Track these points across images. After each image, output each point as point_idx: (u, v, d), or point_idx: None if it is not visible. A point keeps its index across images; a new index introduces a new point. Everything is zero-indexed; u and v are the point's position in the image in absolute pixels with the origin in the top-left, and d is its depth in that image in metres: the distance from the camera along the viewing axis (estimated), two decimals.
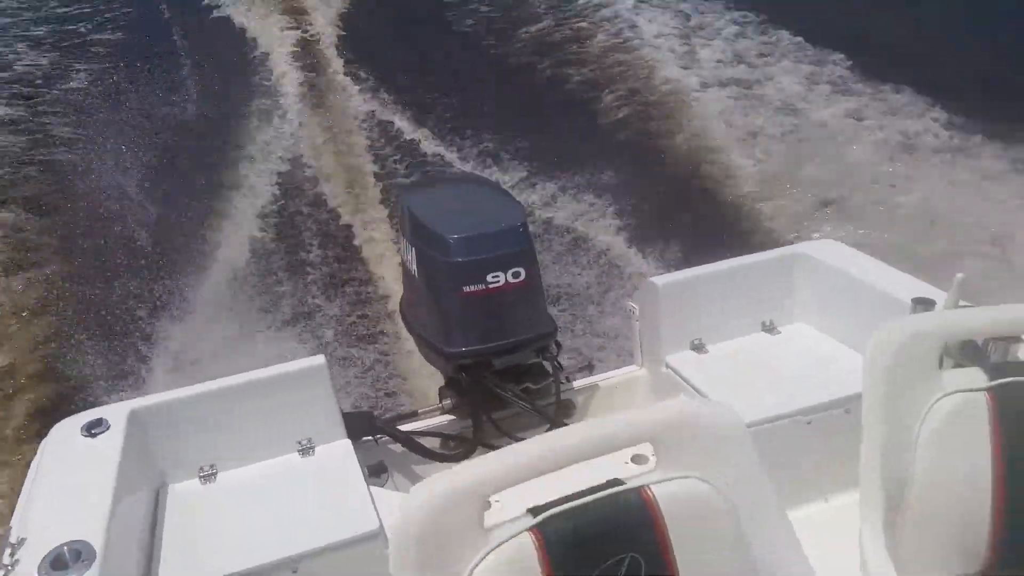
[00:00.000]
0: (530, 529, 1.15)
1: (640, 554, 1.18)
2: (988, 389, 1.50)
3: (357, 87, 9.73)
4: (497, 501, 1.21)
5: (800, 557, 1.32)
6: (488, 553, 1.13)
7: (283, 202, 7.37)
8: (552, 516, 1.17)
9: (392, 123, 8.80)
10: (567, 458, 1.22)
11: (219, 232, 6.78)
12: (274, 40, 11.14)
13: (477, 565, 1.13)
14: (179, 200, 7.23)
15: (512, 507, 1.20)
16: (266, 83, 10.02)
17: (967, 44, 8.41)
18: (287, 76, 10.16)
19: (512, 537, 1.15)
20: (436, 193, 2.64)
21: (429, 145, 8.21)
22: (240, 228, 6.84)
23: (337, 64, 10.47)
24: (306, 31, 11.43)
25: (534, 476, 1.19)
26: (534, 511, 1.18)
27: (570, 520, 1.17)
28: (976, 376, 1.52)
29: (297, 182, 7.76)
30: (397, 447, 2.27)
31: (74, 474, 1.75)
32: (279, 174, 7.90)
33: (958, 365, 1.61)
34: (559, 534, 1.16)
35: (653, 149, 7.47)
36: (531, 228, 2.27)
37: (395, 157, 8.10)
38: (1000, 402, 1.49)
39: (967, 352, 1.70)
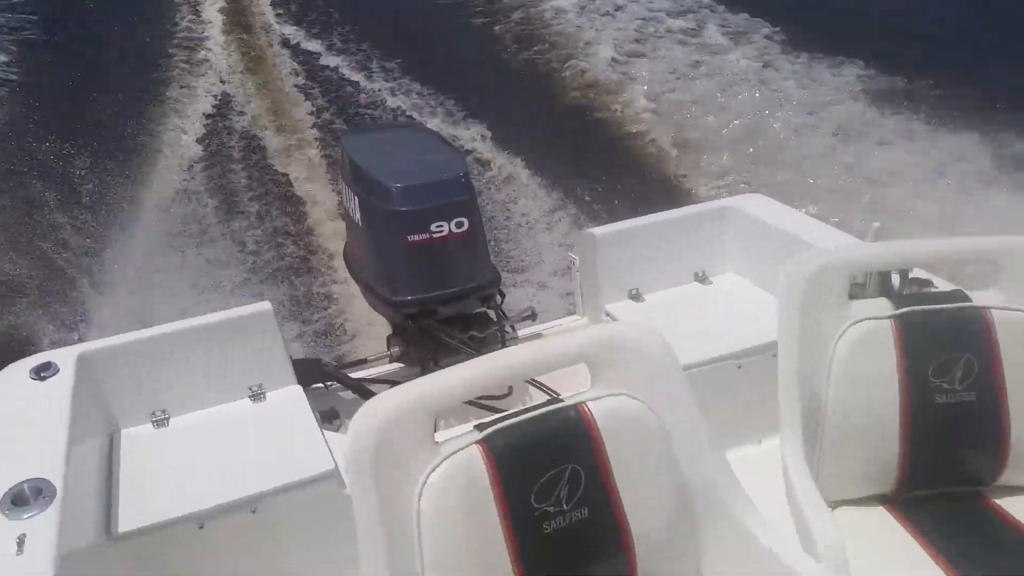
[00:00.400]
0: (478, 442, 1.24)
1: (580, 465, 1.28)
2: (893, 317, 1.61)
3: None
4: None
5: (728, 471, 1.42)
6: (439, 464, 1.21)
7: (212, 142, 7.25)
8: (498, 430, 1.26)
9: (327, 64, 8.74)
10: (508, 374, 1.32)
11: (149, 182, 6.63)
12: None
13: (429, 476, 1.21)
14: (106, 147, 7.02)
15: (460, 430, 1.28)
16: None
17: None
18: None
19: (461, 449, 1.23)
20: (377, 140, 2.65)
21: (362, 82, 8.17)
22: (169, 176, 6.70)
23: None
24: None
25: (478, 393, 1.29)
26: (480, 426, 1.27)
27: (514, 433, 1.27)
28: (883, 305, 1.64)
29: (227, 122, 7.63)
30: (347, 394, 2.33)
31: (26, 417, 1.76)
32: (206, 115, 7.77)
33: (877, 296, 1.72)
34: (505, 446, 1.25)
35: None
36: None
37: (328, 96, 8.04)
38: (904, 329, 1.60)
39: (885, 286, 1.82)
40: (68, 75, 8.47)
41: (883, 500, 1.69)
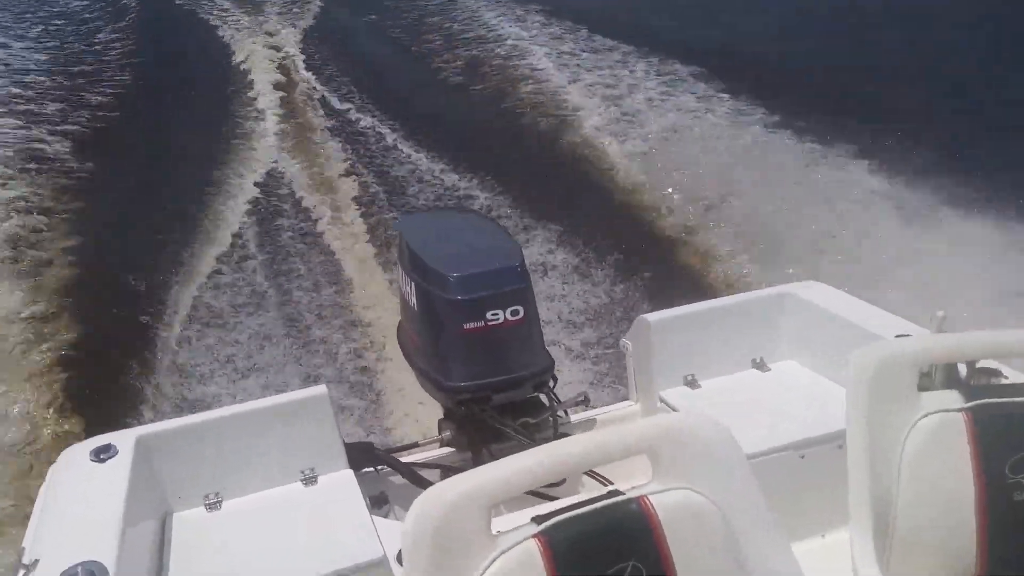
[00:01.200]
0: (535, 536, 1.20)
1: (641, 562, 1.22)
2: (965, 409, 1.55)
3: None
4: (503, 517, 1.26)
5: (795, 569, 1.36)
6: (496, 558, 1.18)
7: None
8: (556, 523, 1.21)
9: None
10: (568, 466, 1.27)
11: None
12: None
13: (486, 570, 1.17)
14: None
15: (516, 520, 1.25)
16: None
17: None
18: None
19: (519, 543, 1.19)
20: (433, 225, 2.70)
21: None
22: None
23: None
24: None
25: (538, 484, 1.24)
26: (538, 519, 1.23)
27: (574, 527, 1.22)
28: (953, 397, 1.58)
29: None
30: (398, 478, 2.32)
31: (83, 498, 1.79)
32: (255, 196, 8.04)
33: (944, 388, 1.66)
34: (563, 540, 1.20)
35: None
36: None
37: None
38: (977, 422, 1.54)
39: (952, 378, 1.77)
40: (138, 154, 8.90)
41: None
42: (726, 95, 9.00)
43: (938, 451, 1.55)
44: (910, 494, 1.56)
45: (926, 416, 1.56)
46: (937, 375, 1.75)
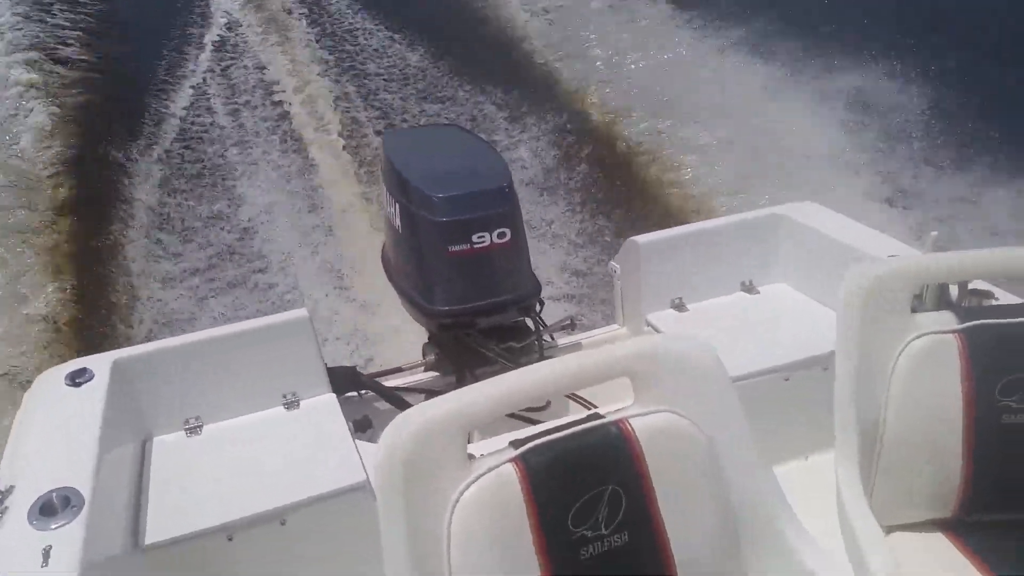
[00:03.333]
0: (512, 460, 1.18)
1: (620, 486, 1.21)
2: (958, 331, 1.53)
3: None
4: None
5: (778, 493, 1.35)
6: (472, 482, 1.16)
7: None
8: (534, 447, 1.20)
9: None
10: (547, 389, 1.25)
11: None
12: None
13: (462, 494, 1.16)
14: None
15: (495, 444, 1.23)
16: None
17: None
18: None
19: (495, 467, 1.17)
20: (419, 144, 2.61)
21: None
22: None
23: None
24: None
25: (515, 407, 1.22)
26: (516, 443, 1.21)
27: (551, 451, 1.20)
28: (947, 318, 1.56)
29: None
30: (381, 403, 2.30)
31: (59, 423, 1.76)
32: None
33: (935, 310, 1.65)
34: (541, 464, 1.18)
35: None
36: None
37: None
38: (970, 344, 1.52)
39: (944, 299, 1.74)
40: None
41: (941, 525, 1.60)
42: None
43: (929, 372, 1.53)
44: (897, 416, 1.56)
45: (918, 337, 1.54)
46: (928, 296, 1.73)
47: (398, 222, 2.29)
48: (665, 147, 6.36)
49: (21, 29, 8.47)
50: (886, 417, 1.56)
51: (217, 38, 9.20)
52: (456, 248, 2.13)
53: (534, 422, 1.79)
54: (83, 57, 8.32)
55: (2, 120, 6.89)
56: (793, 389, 2.07)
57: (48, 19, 8.91)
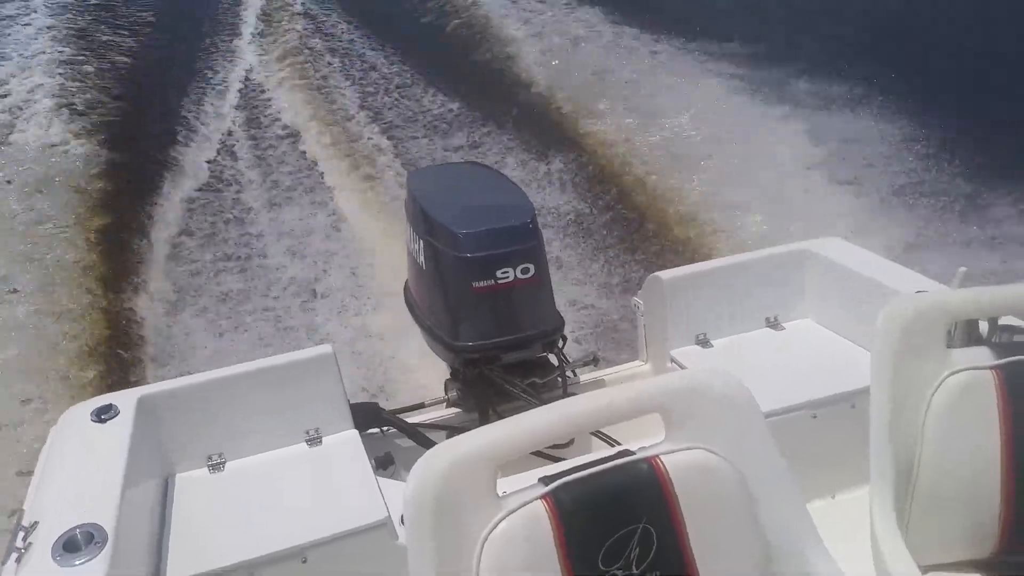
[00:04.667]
0: (542, 497, 1.16)
1: (652, 525, 1.18)
2: (995, 367, 1.50)
3: None
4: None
5: (813, 534, 1.32)
6: (502, 519, 1.14)
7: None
8: (564, 484, 1.17)
9: None
10: (576, 425, 1.24)
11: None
12: None
13: (492, 531, 1.13)
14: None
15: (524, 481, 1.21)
16: None
17: None
18: None
19: (525, 504, 1.15)
20: (443, 181, 2.63)
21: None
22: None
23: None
24: None
25: (543, 444, 1.20)
26: (545, 480, 1.18)
27: (582, 488, 1.18)
28: (983, 355, 1.54)
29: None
30: (403, 439, 2.29)
31: (85, 459, 1.77)
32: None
33: (965, 346, 1.62)
34: (572, 502, 1.16)
35: None
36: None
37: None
38: (1008, 380, 1.49)
39: (973, 335, 1.72)
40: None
41: (978, 566, 1.56)
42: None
43: (965, 409, 1.50)
44: (933, 453, 1.52)
45: (954, 373, 1.51)
46: (957, 332, 1.70)
47: (422, 258, 2.30)
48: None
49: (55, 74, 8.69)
50: (922, 454, 1.52)
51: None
52: (480, 284, 2.13)
53: (558, 459, 1.77)
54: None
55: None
56: (821, 426, 2.04)
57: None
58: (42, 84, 8.30)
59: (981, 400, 1.49)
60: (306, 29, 10.59)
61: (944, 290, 2.02)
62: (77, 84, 8.47)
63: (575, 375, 2.46)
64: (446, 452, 1.16)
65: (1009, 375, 1.49)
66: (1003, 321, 1.75)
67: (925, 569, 1.54)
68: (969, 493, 1.51)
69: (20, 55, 9.10)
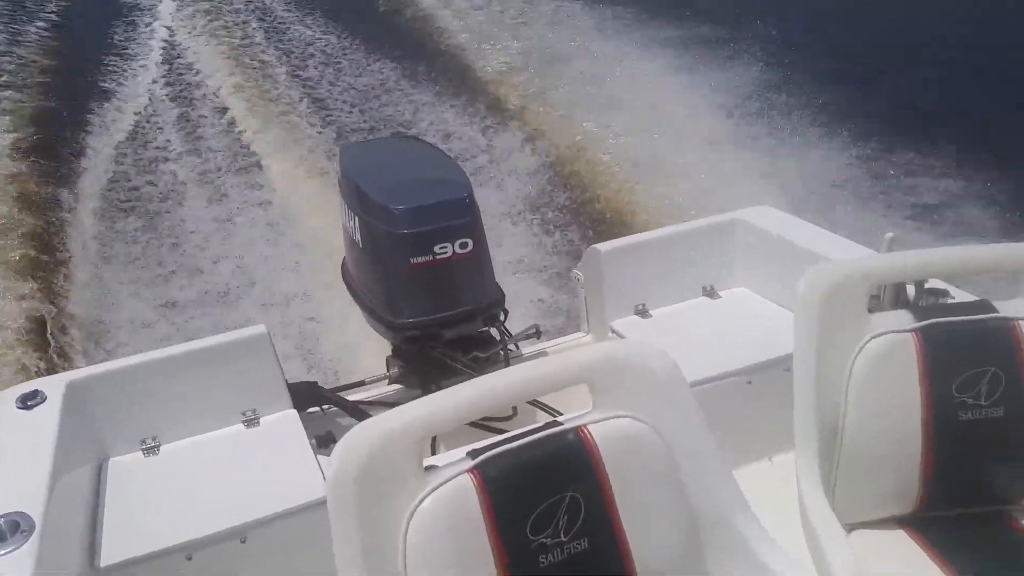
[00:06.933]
0: (470, 470, 1.17)
1: (579, 493, 1.20)
2: (915, 330, 1.55)
3: None
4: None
5: (739, 499, 1.35)
6: (428, 494, 1.14)
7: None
8: (491, 457, 1.19)
9: None
10: (507, 396, 1.25)
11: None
12: None
13: (418, 506, 1.14)
14: None
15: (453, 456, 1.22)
16: None
17: None
18: None
19: (452, 478, 1.16)
20: (377, 156, 2.59)
21: None
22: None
23: None
24: None
25: (475, 416, 1.21)
26: (473, 453, 1.19)
27: (509, 460, 1.19)
28: (903, 318, 1.58)
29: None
30: (345, 417, 2.27)
31: (9, 447, 1.71)
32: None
33: (893, 310, 1.67)
34: (499, 474, 1.17)
35: None
36: None
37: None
38: (926, 342, 1.54)
39: (901, 299, 1.77)
40: None
41: (902, 522, 1.62)
42: None
43: (887, 372, 1.55)
44: (856, 415, 1.57)
45: (876, 337, 1.56)
46: (886, 296, 1.75)
47: (358, 236, 2.26)
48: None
49: None
50: (846, 416, 1.57)
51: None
52: (418, 260, 2.11)
53: (499, 432, 1.78)
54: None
55: None
56: (756, 391, 2.09)
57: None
58: None
59: (902, 362, 1.54)
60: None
61: (871, 255, 2.08)
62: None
63: (518, 348, 2.47)
64: (372, 427, 1.16)
65: (928, 337, 1.54)
66: (930, 285, 1.82)
67: (850, 527, 1.60)
68: (892, 453, 1.56)
69: None
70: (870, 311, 1.60)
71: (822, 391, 1.58)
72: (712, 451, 1.33)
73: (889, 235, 1.97)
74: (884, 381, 1.55)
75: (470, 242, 2.14)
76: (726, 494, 1.34)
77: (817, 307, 1.56)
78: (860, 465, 1.59)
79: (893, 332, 1.55)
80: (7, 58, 8.65)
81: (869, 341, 1.56)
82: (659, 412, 1.28)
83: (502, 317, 2.35)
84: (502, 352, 2.35)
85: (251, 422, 2.06)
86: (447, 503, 1.15)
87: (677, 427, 1.30)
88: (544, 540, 1.18)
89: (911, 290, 1.81)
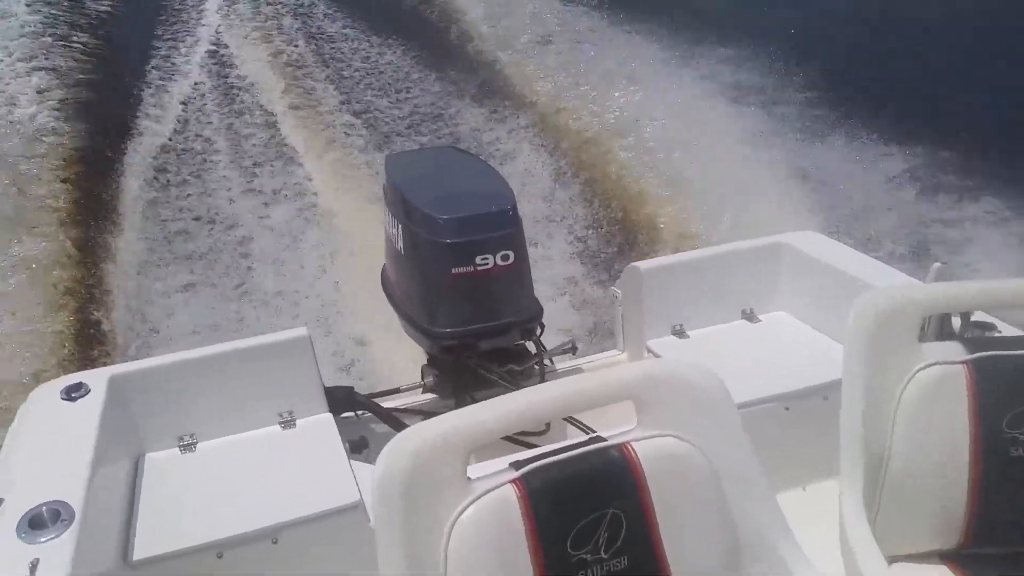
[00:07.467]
0: (513, 481, 1.16)
1: (621, 510, 1.19)
2: (966, 362, 1.52)
3: None
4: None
5: (782, 524, 1.33)
6: (471, 503, 1.14)
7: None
8: (535, 469, 1.18)
9: None
10: (549, 410, 1.24)
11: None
12: None
13: (460, 514, 1.14)
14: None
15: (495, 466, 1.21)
16: None
17: None
18: None
19: (495, 488, 1.16)
20: (422, 166, 2.62)
21: None
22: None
23: None
24: None
25: (516, 428, 1.20)
26: (516, 464, 1.19)
27: (552, 473, 1.18)
28: (954, 349, 1.55)
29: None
30: (378, 424, 2.28)
31: (53, 437, 1.74)
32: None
33: (937, 341, 1.63)
34: (542, 486, 1.17)
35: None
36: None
37: None
38: (978, 375, 1.51)
39: (945, 330, 1.73)
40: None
41: (944, 557, 1.59)
42: None
43: (936, 403, 1.52)
44: (903, 446, 1.54)
45: (926, 367, 1.53)
46: (930, 327, 1.72)
47: (400, 244, 2.28)
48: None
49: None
50: (892, 446, 1.54)
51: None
52: (459, 270, 2.12)
53: (532, 446, 1.77)
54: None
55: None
56: (793, 418, 2.06)
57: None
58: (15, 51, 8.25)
59: (952, 394, 1.51)
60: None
61: (917, 284, 2.04)
62: (54, 50, 8.42)
63: (552, 363, 2.47)
64: (417, 435, 1.16)
65: (979, 370, 1.51)
66: (975, 317, 1.78)
67: (892, 560, 1.57)
68: (938, 486, 1.53)
69: None
70: (921, 340, 1.57)
71: (869, 419, 1.55)
72: (757, 475, 1.31)
73: (936, 264, 1.94)
74: (933, 412, 1.52)
75: (511, 254, 2.14)
76: (769, 519, 1.32)
77: (868, 333, 1.54)
78: (904, 496, 1.56)
79: (944, 363, 1.52)
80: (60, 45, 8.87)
81: (919, 371, 1.53)
82: (705, 432, 1.26)
83: (539, 331, 2.34)
84: (537, 366, 2.35)
85: (287, 423, 2.07)
86: (490, 513, 1.14)
87: (723, 449, 1.28)
88: (584, 556, 1.17)
89: (956, 322, 1.77)
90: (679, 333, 2.45)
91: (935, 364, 1.52)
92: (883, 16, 9.23)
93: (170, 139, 7.39)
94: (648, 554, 1.21)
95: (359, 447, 2.21)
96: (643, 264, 2.42)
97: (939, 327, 1.72)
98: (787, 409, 2.07)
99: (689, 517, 1.24)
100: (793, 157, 6.25)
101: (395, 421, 2.27)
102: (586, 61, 8.30)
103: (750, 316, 2.51)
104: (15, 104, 7.14)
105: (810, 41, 8.45)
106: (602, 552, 1.18)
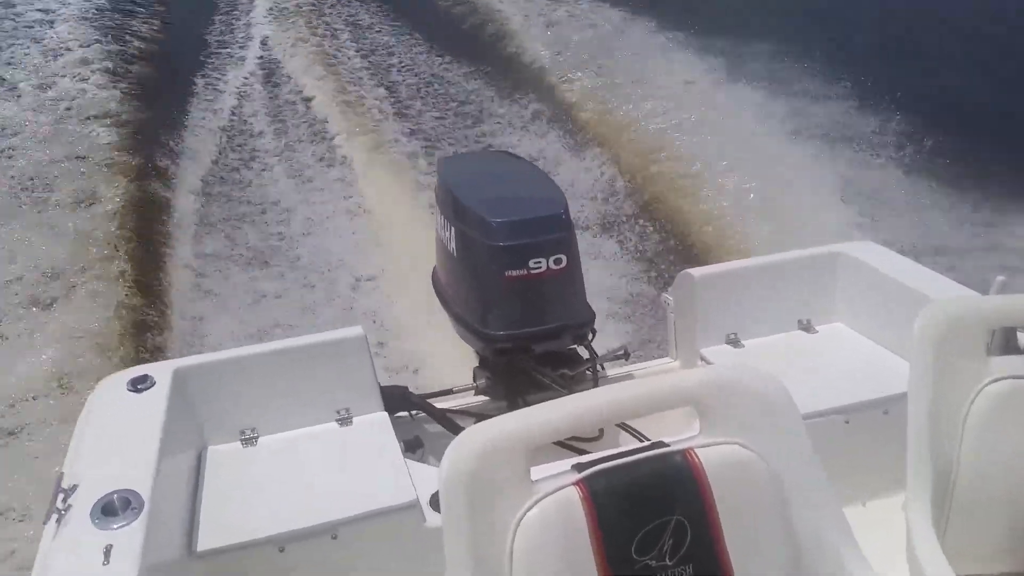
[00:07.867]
0: (576, 483, 1.16)
1: (686, 517, 1.18)
2: None
3: None
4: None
5: (848, 536, 1.31)
6: (535, 503, 1.15)
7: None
8: (598, 472, 1.18)
9: None
10: (611, 413, 1.24)
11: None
12: None
13: (525, 515, 1.14)
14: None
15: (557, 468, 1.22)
16: None
17: None
18: None
19: (559, 489, 1.16)
20: (475, 169, 2.64)
21: None
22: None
23: None
24: None
25: (577, 431, 1.21)
26: (579, 467, 1.19)
27: (616, 477, 1.18)
28: (1022, 364, 1.52)
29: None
30: (432, 424, 2.30)
31: (121, 427, 1.80)
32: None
33: (1002, 355, 1.59)
34: (605, 489, 1.17)
35: None
36: None
37: None
38: None
39: (1010, 344, 1.69)
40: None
41: None
42: None
43: (1006, 418, 1.49)
44: (972, 461, 1.51)
45: (995, 381, 1.49)
46: (995, 340, 1.68)
47: (453, 246, 2.30)
48: None
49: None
50: (960, 462, 1.51)
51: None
52: (512, 273, 2.13)
53: (584, 451, 1.77)
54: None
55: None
56: (853, 431, 2.03)
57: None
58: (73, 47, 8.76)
59: (1021, 410, 1.48)
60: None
61: (982, 297, 2.00)
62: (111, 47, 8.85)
63: (603, 368, 2.46)
64: (480, 434, 1.17)
65: None
66: None
67: None
68: (1008, 503, 1.50)
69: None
70: (990, 353, 1.54)
71: (936, 433, 1.52)
72: (823, 485, 1.30)
73: (1000, 278, 1.89)
74: (1004, 427, 1.49)
75: (564, 258, 2.15)
76: (835, 530, 1.30)
77: (934, 345, 1.51)
78: (974, 514, 1.52)
79: (1014, 377, 1.49)
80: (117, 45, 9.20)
81: (988, 384, 1.50)
82: (769, 440, 1.25)
83: (591, 336, 2.34)
84: (589, 371, 2.35)
85: (344, 421, 2.11)
86: (554, 514, 1.15)
87: (787, 458, 1.27)
88: (649, 562, 1.17)
89: (1022, 338, 1.73)
90: (734, 342, 2.43)
91: (1005, 378, 1.49)
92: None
93: (218, 155, 7.59)
94: (713, 563, 1.20)
95: (413, 446, 2.23)
96: (696, 271, 2.40)
97: (1004, 341, 1.68)
98: (847, 422, 2.04)
99: (754, 526, 1.23)
100: (856, 175, 6.20)
101: (449, 422, 2.29)
102: (644, 72, 8.32)
103: (807, 326, 2.47)
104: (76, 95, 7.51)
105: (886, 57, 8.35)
106: (667, 559, 1.17)
